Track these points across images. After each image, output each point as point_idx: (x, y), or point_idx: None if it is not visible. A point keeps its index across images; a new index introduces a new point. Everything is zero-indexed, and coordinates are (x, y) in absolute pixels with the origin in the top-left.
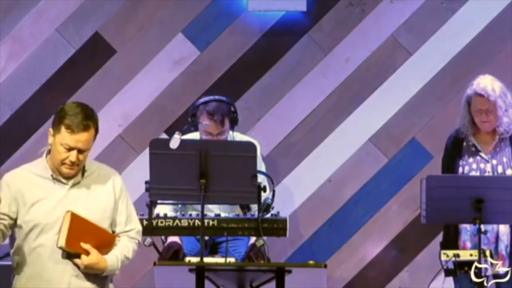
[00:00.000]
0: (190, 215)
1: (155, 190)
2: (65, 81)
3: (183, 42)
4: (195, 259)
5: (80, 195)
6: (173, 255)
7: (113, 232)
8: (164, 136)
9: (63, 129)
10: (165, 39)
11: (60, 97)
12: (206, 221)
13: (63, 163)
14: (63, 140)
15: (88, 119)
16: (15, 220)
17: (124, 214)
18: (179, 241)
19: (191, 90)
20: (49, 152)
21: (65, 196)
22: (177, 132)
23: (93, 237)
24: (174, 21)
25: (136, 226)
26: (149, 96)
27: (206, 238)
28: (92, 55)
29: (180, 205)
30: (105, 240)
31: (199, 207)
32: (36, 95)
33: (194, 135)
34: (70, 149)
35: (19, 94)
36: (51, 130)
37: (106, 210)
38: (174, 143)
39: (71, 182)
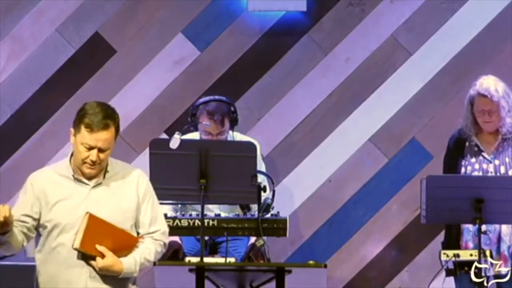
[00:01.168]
0: (190, 215)
1: (155, 190)
2: (65, 81)
3: (183, 42)
4: (195, 259)
5: (102, 195)
6: (173, 255)
7: (138, 233)
8: (164, 136)
9: (83, 128)
10: (165, 39)
11: (60, 97)
12: (206, 221)
13: (84, 162)
14: (83, 139)
15: (108, 118)
16: (39, 220)
17: (149, 215)
18: (179, 241)
19: (191, 90)
20: (72, 154)
21: (87, 196)
22: (177, 132)
23: (112, 239)
24: (174, 21)
25: (162, 227)
26: (149, 96)
27: (206, 238)
28: (92, 55)
29: (180, 205)
30: (125, 242)
31: (199, 207)
32: (36, 95)
33: (194, 135)
34: (90, 148)
35: (19, 94)
36: (72, 130)
37: (128, 211)
38: (174, 143)
39: (93, 182)
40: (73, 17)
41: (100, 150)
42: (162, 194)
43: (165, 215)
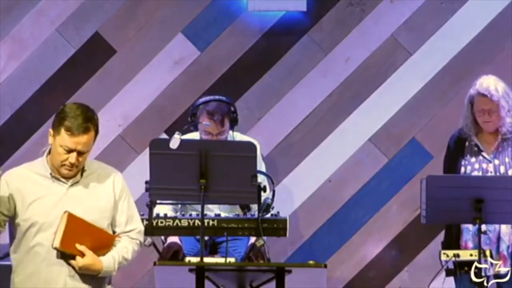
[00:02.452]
0: (190, 215)
1: (155, 190)
2: (65, 81)
3: (183, 42)
4: (195, 259)
5: (79, 194)
6: (173, 256)
7: (114, 232)
8: (164, 136)
9: (62, 131)
10: (165, 39)
11: (60, 97)
12: (206, 221)
13: (62, 165)
14: (62, 142)
15: (88, 121)
16: (13, 218)
17: (125, 214)
18: (178, 242)
19: (191, 90)
20: (49, 151)
21: (64, 195)
22: (177, 132)
23: (90, 238)
24: (174, 21)
25: (138, 226)
26: (149, 96)
27: (206, 238)
28: (92, 55)
29: (180, 205)
30: (103, 241)
31: (199, 207)
32: (36, 95)
33: (194, 135)
34: (69, 151)
35: (19, 94)
36: (51, 130)
37: (105, 209)
38: (174, 143)
39: (70, 181)
40: (73, 17)
41: (79, 153)
42: (162, 194)
43: (165, 215)
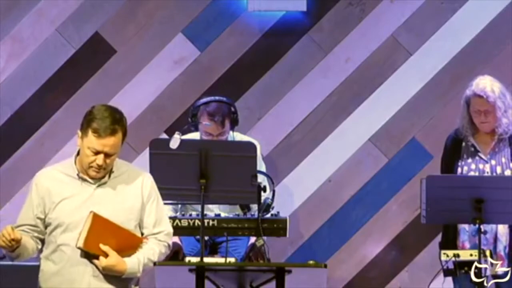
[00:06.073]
0: (190, 215)
1: None
2: (65, 81)
3: (183, 42)
4: (195, 259)
5: (106, 195)
6: (173, 256)
7: (142, 234)
8: (164, 136)
9: (90, 133)
10: (165, 39)
11: (60, 97)
12: (206, 221)
13: (90, 166)
14: (90, 144)
15: (116, 123)
16: (44, 218)
17: (153, 216)
18: (178, 242)
19: (191, 90)
20: (78, 152)
21: (91, 196)
22: (177, 132)
23: (116, 238)
24: (174, 21)
25: (166, 228)
26: (149, 96)
27: (206, 238)
28: (92, 55)
29: (180, 205)
30: (128, 242)
31: (199, 207)
32: (36, 95)
33: (194, 135)
34: (97, 152)
35: (19, 94)
36: (79, 132)
37: (132, 211)
38: (174, 143)
39: (97, 182)
40: (73, 17)
41: (107, 155)
42: (162, 194)
43: None
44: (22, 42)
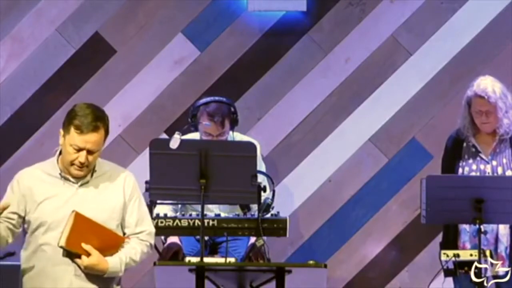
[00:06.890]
0: (190, 215)
1: (155, 190)
2: (65, 81)
3: (183, 42)
4: (195, 259)
5: (88, 194)
6: (173, 256)
7: (124, 233)
8: (164, 136)
9: (72, 129)
10: (165, 39)
11: (60, 97)
12: (206, 221)
13: (72, 164)
14: (72, 141)
15: (98, 120)
16: (24, 217)
17: (135, 216)
18: (178, 242)
19: (191, 90)
20: (60, 152)
21: (73, 195)
22: (177, 132)
23: (98, 238)
24: (174, 21)
25: (148, 228)
26: (149, 96)
27: (206, 238)
28: (92, 55)
29: (180, 205)
30: (110, 241)
31: (199, 207)
32: (36, 95)
33: (194, 135)
34: (79, 149)
35: (19, 94)
36: (61, 130)
37: (114, 210)
38: (174, 143)
39: (80, 181)
40: (73, 17)
41: (89, 152)
42: (162, 194)
43: (165, 215)
44: (22, 42)
